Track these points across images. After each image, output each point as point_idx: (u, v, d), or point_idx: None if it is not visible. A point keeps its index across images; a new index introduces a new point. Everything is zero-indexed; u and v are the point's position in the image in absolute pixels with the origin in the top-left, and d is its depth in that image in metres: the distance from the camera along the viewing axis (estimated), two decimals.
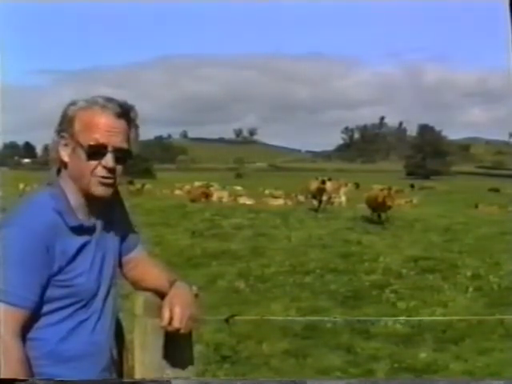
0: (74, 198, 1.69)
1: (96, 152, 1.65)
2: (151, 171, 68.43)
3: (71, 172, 1.69)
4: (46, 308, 1.63)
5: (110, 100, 1.68)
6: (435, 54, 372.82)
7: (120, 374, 1.86)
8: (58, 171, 1.72)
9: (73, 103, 1.68)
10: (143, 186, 33.93)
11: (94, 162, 1.65)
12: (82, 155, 1.65)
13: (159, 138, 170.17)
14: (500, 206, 26.18)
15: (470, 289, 8.02)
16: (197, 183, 37.99)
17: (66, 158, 1.69)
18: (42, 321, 1.63)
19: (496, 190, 53.31)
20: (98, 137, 1.64)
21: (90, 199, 1.70)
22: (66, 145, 1.68)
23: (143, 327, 1.80)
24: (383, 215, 15.29)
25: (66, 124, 1.68)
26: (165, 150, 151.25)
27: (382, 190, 16.09)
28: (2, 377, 1.48)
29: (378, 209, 15.50)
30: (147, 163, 67.93)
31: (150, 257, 1.94)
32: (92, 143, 1.64)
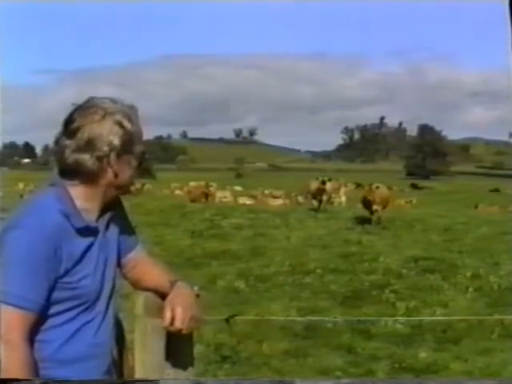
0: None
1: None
2: (151, 171, 68.38)
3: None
4: (50, 310, 1.62)
5: (115, 103, 1.68)
6: (437, 53, 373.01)
7: (120, 375, 1.85)
8: (60, 172, 1.71)
9: (78, 107, 1.67)
10: (143, 185, 33.95)
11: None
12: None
13: (159, 138, 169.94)
14: (500, 206, 26.20)
15: (470, 289, 8.00)
16: (192, 183, 37.92)
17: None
18: (47, 323, 1.63)
19: (496, 190, 53.34)
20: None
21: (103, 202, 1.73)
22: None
23: (143, 327, 1.80)
24: (375, 214, 15.04)
25: (72, 130, 1.66)
26: (165, 150, 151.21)
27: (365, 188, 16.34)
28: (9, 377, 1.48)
29: (366, 207, 15.50)
30: (147, 163, 67.78)
31: (149, 256, 1.94)
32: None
